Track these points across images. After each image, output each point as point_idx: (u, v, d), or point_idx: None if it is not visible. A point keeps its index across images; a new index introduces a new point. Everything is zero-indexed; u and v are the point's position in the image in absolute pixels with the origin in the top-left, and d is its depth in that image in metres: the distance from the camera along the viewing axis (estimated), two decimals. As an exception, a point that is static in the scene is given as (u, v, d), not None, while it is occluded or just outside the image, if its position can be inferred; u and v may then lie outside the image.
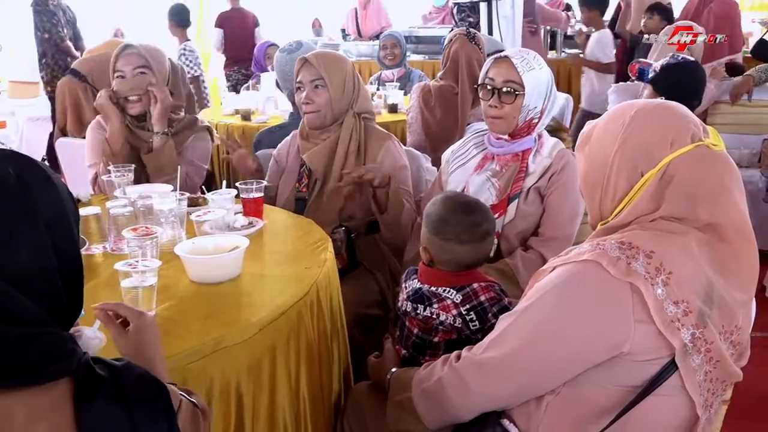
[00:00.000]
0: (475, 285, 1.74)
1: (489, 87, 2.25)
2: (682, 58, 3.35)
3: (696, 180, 1.32)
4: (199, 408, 1.05)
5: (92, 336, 1.27)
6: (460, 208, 1.80)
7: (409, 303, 1.83)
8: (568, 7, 8.54)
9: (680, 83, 3.09)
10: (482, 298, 1.72)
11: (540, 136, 2.30)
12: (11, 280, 0.86)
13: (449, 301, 1.74)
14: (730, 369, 1.31)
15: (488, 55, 3.83)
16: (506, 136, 2.27)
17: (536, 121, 2.26)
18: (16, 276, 0.87)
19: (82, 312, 1.15)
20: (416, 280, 1.83)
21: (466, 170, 2.36)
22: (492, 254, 2.00)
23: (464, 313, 1.72)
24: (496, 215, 2.17)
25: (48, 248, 0.91)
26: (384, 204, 2.43)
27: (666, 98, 3.08)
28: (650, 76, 3.26)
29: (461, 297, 1.73)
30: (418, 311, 1.79)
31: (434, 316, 1.76)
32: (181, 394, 1.01)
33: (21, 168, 0.92)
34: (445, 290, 1.76)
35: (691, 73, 3.21)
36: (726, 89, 4.41)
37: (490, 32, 5.54)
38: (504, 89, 2.21)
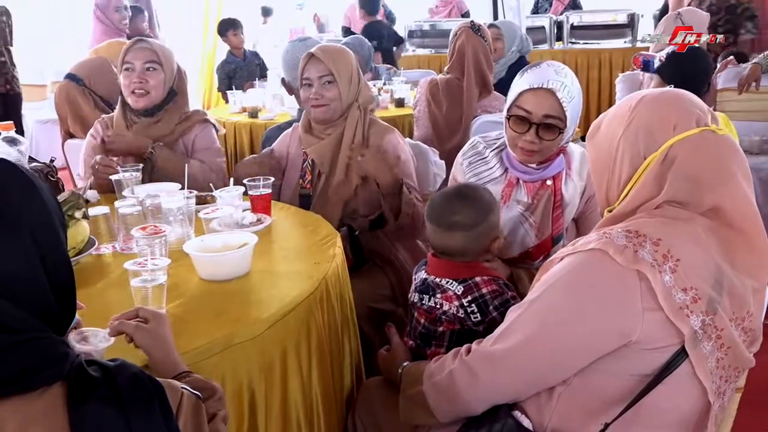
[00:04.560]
0: (478, 278, 1.76)
1: (524, 119, 1.95)
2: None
3: (699, 163, 1.32)
4: (202, 399, 1.04)
5: (101, 336, 1.28)
6: (449, 194, 1.86)
7: (416, 294, 1.85)
8: (574, 2, 8.50)
9: (687, 70, 3.08)
10: (484, 290, 1.74)
11: (564, 151, 2.07)
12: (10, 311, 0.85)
13: (451, 292, 1.77)
14: (743, 355, 1.31)
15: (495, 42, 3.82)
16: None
17: (567, 145, 2.06)
18: (1, 284, 0.86)
19: (76, 316, 1.15)
20: (424, 271, 1.86)
21: None
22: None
23: (466, 304, 1.74)
24: (541, 258, 2.06)
25: (33, 255, 0.89)
26: (395, 211, 2.41)
27: (676, 86, 3.09)
28: (656, 65, 3.24)
29: (463, 288, 1.75)
30: (424, 301, 1.82)
31: (438, 306, 1.78)
32: (183, 387, 1.00)
33: (2, 175, 0.92)
34: (447, 281, 1.78)
35: (697, 59, 3.19)
36: (733, 77, 4.36)
37: (496, 24, 5.53)
38: (545, 123, 1.93)
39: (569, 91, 1.93)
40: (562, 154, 2.05)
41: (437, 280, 1.80)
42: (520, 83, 1.99)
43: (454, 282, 1.77)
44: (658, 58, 3.23)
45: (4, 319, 0.85)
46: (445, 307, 1.76)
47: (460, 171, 2.22)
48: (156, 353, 1.27)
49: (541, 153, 1.99)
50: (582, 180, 2.07)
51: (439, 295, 1.79)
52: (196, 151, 2.78)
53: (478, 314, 1.72)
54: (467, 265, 1.80)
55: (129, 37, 7.31)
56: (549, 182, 2.04)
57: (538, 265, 2.03)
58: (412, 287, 1.89)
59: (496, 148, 2.16)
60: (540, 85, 1.92)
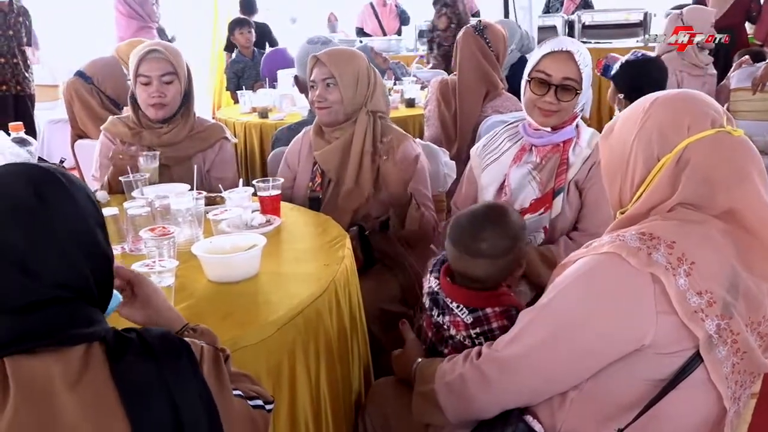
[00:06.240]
0: (489, 310, 1.66)
1: (544, 81, 2.11)
2: (642, 54, 3.36)
3: (713, 165, 1.30)
4: (219, 349, 1.18)
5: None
6: (478, 217, 1.72)
7: (428, 300, 1.79)
8: (586, 1, 8.46)
9: (638, 79, 3.10)
10: (494, 325, 1.65)
11: (577, 125, 2.21)
12: (44, 287, 0.98)
13: (459, 320, 1.68)
14: (759, 360, 1.28)
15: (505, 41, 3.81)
16: (548, 128, 2.16)
17: (580, 112, 2.19)
18: (47, 282, 0.98)
19: (120, 297, 1.28)
20: (437, 281, 1.77)
21: (500, 164, 2.26)
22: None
23: (473, 335, 1.66)
24: (541, 210, 2.12)
25: (75, 254, 1.01)
26: (401, 218, 2.42)
27: (626, 96, 3.12)
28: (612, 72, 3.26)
29: (472, 319, 1.67)
30: (434, 313, 1.76)
31: (445, 327, 1.72)
32: (201, 344, 1.12)
33: (39, 184, 1.01)
34: (458, 307, 1.69)
35: (649, 68, 3.20)
36: (747, 76, 4.32)
37: (507, 25, 5.51)
38: (563, 85, 2.09)
39: (584, 56, 2.11)
40: (575, 125, 2.19)
41: (448, 300, 1.71)
42: (539, 51, 2.17)
43: (464, 309, 1.67)
44: (620, 62, 3.24)
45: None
46: (452, 332, 1.69)
47: (475, 157, 2.38)
48: (157, 300, 1.34)
49: (559, 114, 2.14)
50: (590, 148, 2.16)
51: (447, 317, 1.71)
52: (215, 168, 2.78)
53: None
54: (482, 295, 1.69)
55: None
56: (559, 145, 2.17)
57: (535, 220, 2.13)
58: (426, 288, 1.82)
59: (510, 125, 2.33)
60: (560, 49, 2.11)
